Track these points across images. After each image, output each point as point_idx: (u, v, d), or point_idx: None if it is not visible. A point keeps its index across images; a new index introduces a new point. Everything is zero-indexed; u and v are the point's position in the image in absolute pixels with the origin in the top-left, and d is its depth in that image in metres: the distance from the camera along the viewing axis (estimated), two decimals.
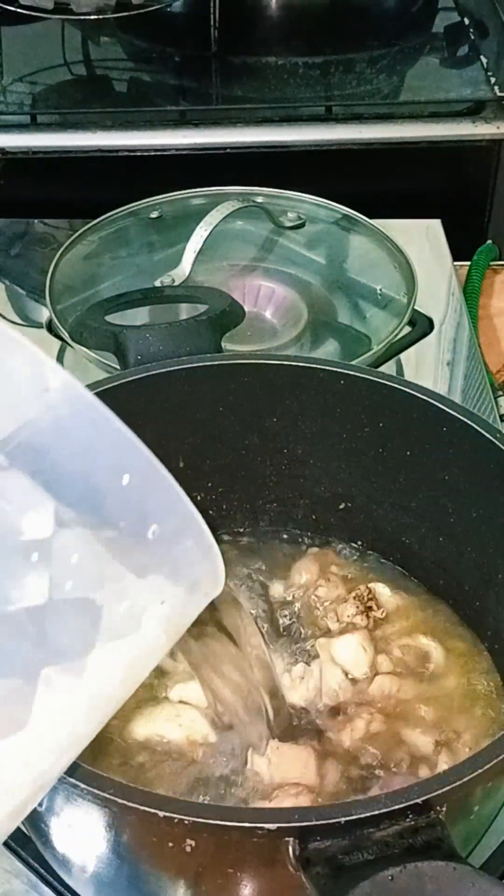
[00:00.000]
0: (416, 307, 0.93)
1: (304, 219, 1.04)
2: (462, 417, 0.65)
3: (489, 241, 1.16)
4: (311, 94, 1.32)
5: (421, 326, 0.96)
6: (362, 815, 0.46)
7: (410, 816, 0.47)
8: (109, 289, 0.96)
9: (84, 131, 1.23)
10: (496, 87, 1.28)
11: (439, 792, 0.47)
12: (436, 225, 1.14)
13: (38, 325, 1.00)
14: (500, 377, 1.03)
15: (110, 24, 1.40)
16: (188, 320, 0.73)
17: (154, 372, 0.68)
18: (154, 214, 1.04)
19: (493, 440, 0.64)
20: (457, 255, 1.11)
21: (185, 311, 0.84)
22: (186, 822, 0.46)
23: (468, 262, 1.13)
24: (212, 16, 1.40)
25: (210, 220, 0.94)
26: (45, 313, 0.97)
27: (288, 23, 1.46)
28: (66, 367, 0.95)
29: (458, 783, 0.48)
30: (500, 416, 0.95)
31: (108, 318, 0.74)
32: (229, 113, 1.28)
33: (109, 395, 0.67)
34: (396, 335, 0.91)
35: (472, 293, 1.09)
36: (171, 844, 0.49)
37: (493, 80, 1.30)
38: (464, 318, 1.03)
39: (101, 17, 1.37)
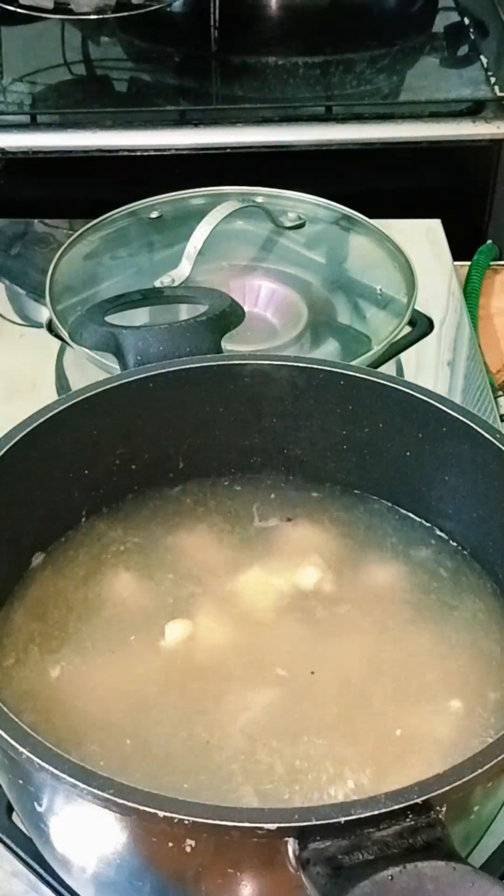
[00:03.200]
0: (416, 307, 0.93)
1: (304, 219, 1.04)
2: (462, 417, 0.66)
3: (489, 241, 1.16)
4: (311, 94, 1.32)
5: (421, 326, 0.96)
6: (362, 815, 0.46)
7: (410, 816, 0.47)
8: (109, 289, 0.96)
9: (84, 131, 1.23)
10: (496, 87, 1.28)
11: (439, 792, 0.47)
12: (436, 225, 1.14)
13: (39, 325, 1.00)
14: (500, 377, 1.03)
15: (110, 24, 1.40)
16: (188, 321, 0.73)
17: (154, 372, 0.68)
18: (154, 214, 1.04)
19: (493, 440, 0.64)
20: (457, 255, 1.11)
21: (185, 311, 0.84)
22: (186, 822, 0.46)
23: (468, 262, 1.13)
24: (212, 16, 1.40)
25: (210, 220, 0.94)
26: (45, 313, 0.97)
27: (288, 23, 1.46)
28: (66, 366, 0.96)
29: (458, 783, 0.48)
30: (501, 416, 0.95)
31: (108, 318, 0.74)
32: (229, 113, 1.28)
33: (109, 395, 0.67)
34: (396, 335, 0.91)
35: (472, 293, 1.09)
36: (171, 844, 0.49)
37: (493, 80, 1.30)
38: (464, 318, 1.03)
39: (101, 17, 1.37)
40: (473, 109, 1.27)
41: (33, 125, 1.27)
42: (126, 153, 1.23)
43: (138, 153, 1.23)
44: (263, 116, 1.26)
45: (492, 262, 1.14)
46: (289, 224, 1.03)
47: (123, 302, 0.78)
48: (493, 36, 1.38)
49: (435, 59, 1.39)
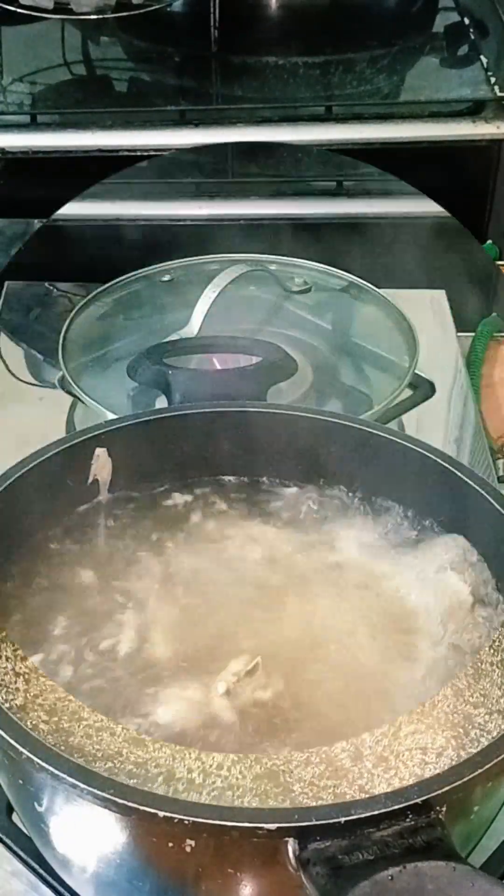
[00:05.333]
0: (419, 373, 0.93)
1: (310, 285, 1.04)
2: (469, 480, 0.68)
3: (494, 314, 1.16)
4: (311, 94, 1.32)
5: (423, 390, 0.96)
6: (362, 815, 0.46)
7: (410, 816, 0.47)
8: (120, 349, 0.97)
9: (84, 131, 1.23)
10: (496, 87, 1.28)
11: (439, 792, 0.47)
12: (440, 295, 1.14)
13: (52, 386, 1.00)
14: (499, 441, 1.04)
15: (110, 24, 1.40)
16: (238, 368, 0.77)
17: (167, 415, 0.72)
18: (165, 278, 1.05)
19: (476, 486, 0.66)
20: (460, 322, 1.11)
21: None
22: (186, 822, 0.46)
23: (472, 334, 1.13)
24: (212, 16, 1.40)
25: (218, 282, 0.95)
26: (58, 375, 0.98)
27: (288, 23, 1.46)
28: (76, 421, 0.97)
29: (458, 783, 0.48)
30: (499, 478, 0.95)
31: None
32: (229, 113, 1.28)
33: (120, 434, 0.70)
34: (396, 397, 0.91)
35: (474, 362, 1.10)
36: (171, 844, 0.49)
37: (493, 80, 1.30)
38: (465, 386, 1.04)
39: (101, 17, 1.37)
40: (473, 109, 1.27)
41: (33, 125, 1.27)
42: (126, 153, 1.23)
43: (138, 153, 1.23)
44: (263, 116, 1.26)
45: (496, 334, 1.14)
46: (295, 289, 1.04)
47: (182, 346, 0.84)
48: (493, 36, 1.38)
49: (435, 59, 1.40)
